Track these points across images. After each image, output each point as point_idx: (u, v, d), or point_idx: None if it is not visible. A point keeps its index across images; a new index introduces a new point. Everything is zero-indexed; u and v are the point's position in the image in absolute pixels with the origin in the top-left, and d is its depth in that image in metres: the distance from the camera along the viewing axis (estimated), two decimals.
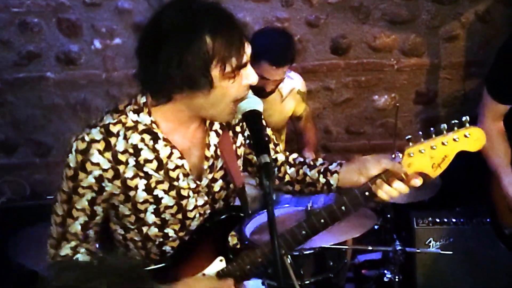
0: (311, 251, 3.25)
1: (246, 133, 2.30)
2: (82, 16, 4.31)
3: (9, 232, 3.67)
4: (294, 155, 2.46)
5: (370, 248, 3.49)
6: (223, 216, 2.23)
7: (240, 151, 2.30)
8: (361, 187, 2.13)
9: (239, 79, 1.95)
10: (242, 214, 2.25)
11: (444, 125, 2.07)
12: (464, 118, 2.07)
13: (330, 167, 2.30)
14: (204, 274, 2.25)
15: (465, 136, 2.06)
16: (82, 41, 4.37)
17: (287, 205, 3.58)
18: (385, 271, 3.66)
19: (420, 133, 2.09)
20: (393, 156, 2.16)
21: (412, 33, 4.53)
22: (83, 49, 4.39)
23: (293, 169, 2.39)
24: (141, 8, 4.29)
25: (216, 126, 2.18)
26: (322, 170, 2.31)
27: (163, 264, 2.23)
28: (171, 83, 1.90)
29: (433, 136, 2.08)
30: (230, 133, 2.24)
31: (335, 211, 2.14)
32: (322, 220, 2.16)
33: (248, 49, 1.95)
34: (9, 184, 4.56)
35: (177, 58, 1.85)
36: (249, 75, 1.98)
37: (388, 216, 3.83)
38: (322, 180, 2.29)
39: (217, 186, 2.22)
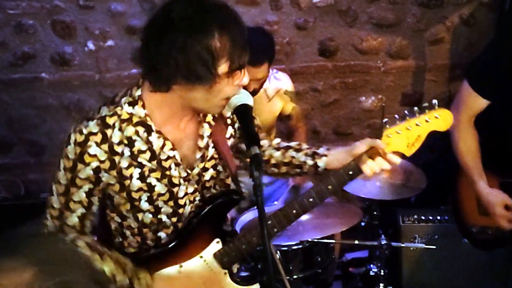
0: (300, 246, 3.33)
1: (236, 125, 2.39)
2: (76, 18, 4.36)
3: (4, 230, 3.72)
4: (278, 140, 2.57)
5: (356, 242, 3.55)
6: (221, 199, 2.35)
7: (230, 142, 2.38)
8: (345, 166, 2.27)
9: (234, 79, 2.03)
10: (238, 197, 2.36)
11: (416, 108, 2.24)
12: (433, 101, 2.25)
13: (318, 150, 2.42)
14: (201, 256, 2.35)
15: (436, 117, 2.25)
16: (76, 43, 4.42)
17: (276, 203, 3.66)
18: (371, 266, 3.74)
19: (397, 116, 2.25)
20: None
21: (398, 36, 4.62)
22: (77, 51, 4.44)
23: (279, 152, 2.49)
24: (134, 10, 4.35)
25: (209, 117, 2.26)
26: (309, 153, 2.42)
27: (162, 249, 2.32)
28: (173, 68, 1.94)
29: (407, 118, 2.25)
30: (222, 124, 2.33)
31: (323, 190, 2.28)
32: (311, 199, 2.28)
33: (248, 51, 2.02)
34: (4, 183, 4.60)
35: (182, 43, 1.89)
36: (243, 76, 2.06)
37: (375, 213, 3.90)
38: (310, 162, 2.40)
39: (207, 175, 2.31)
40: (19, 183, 4.64)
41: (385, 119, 2.27)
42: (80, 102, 4.53)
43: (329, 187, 2.28)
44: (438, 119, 2.25)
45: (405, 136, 2.25)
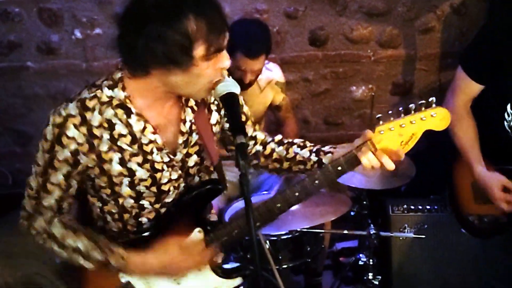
0: (289, 236, 3.32)
1: (222, 111, 2.36)
2: (63, 6, 4.31)
3: None
4: (279, 136, 2.54)
5: (345, 232, 3.55)
6: (203, 189, 2.31)
7: (215, 128, 2.36)
8: (334, 162, 2.18)
9: (215, 62, 2.01)
10: (220, 187, 2.33)
11: (412, 105, 2.13)
12: (430, 99, 2.13)
13: (323, 148, 2.38)
14: None
15: (432, 115, 2.13)
16: (62, 31, 4.36)
17: (265, 192, 3.65)
18: (360, 256, 3.74)
19: (390, 112, 2.15)
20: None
21: (389, 25, 4.60)
22: (64, 39, 4.38)
23: (281, 147, 2.47)
24: None
25: (192, 102, 2.24)
26: (314, 150, 2.39)
27: (142, 235, 2.30)
28: (151, 56, 1.94)
29: (402, 115, 2.14)
30: (206, 110, 2.30)
31: (308, 186, 2.22)
32: (297, 193, 2.24)
33: (227, 33, 2.01)
34: None
35: (159, 33, 1.89)
36: (224, 59, 2.04)
37: (364, 203, 3.89)
38: (314, 158, 2.37)
39: (191, 161, 2.29)
40: (6, 173, 4.59)
41: (379, 115, 2.15)
42: (67, 91, 4.46)
43: (316, 182, 2.21)
44: (435, 118, 2.14)
45: (397, 134, 2.14)
